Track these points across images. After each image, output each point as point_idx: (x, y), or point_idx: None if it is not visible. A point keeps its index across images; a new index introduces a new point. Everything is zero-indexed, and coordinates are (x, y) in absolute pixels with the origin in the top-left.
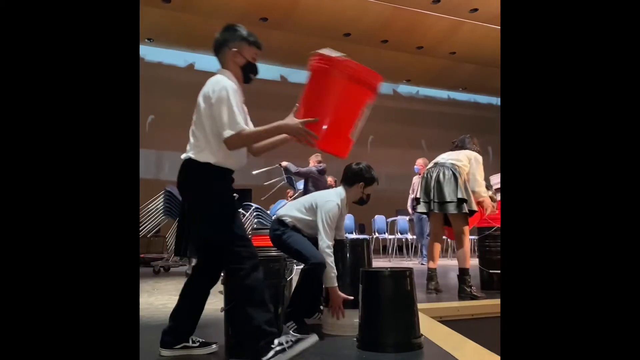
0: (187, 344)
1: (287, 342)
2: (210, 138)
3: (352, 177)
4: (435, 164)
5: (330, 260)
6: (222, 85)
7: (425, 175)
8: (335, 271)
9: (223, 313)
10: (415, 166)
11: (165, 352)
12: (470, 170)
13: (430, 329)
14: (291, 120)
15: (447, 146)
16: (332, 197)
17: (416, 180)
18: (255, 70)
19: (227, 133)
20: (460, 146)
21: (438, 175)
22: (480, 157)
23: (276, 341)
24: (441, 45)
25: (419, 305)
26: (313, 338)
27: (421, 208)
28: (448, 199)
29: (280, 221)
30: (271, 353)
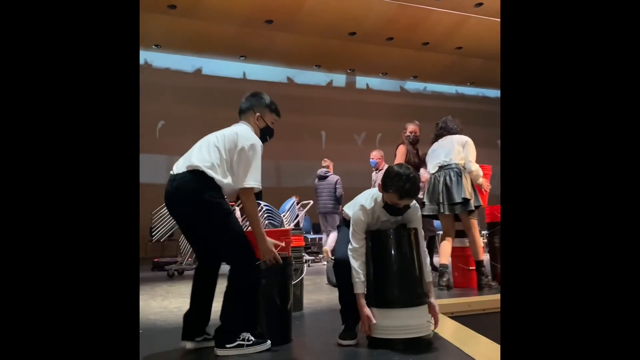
0: (241, 343)
1: (247, 339)
2: (225, 166)
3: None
4: (441, 167)
5: (355, 264)
6: (254, 141)
7: (432, 180)
8: (360, 277)
9: None
10: (371, 159)
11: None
12: (464, 155)
13: (440, 324)
14: (268, 241)
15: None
16: (361, 201)
17: (375, 176)
18: (272, 134)
19: (252, 184)
20: (447, 130)
21: (445, 179)
22: (468, 140)
23: (241, 335)
24: (447, 40)
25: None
26: (267, 343)
27: (428, 211)
28: (456, 201)
29: (343, 217)
30: (234, 344)
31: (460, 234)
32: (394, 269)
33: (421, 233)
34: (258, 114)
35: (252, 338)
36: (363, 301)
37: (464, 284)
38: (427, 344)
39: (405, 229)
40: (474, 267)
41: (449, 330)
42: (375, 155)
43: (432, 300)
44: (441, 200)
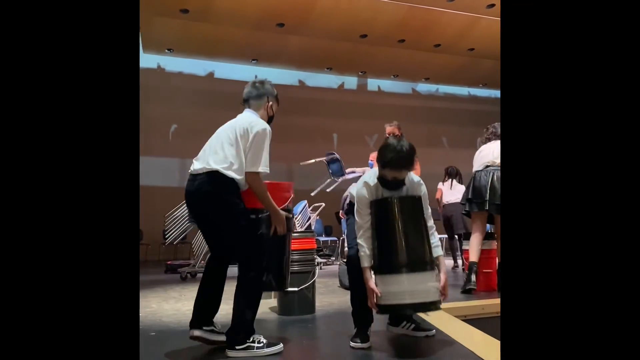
0: (250, 345)
1: (258, 342)
2: (241, 160)
3: None
4: (487, 166)
5: (361, 240)
6: (265, 126)
7: (477, 177)
8: (365, 250)
9: None
10: (370, 161)
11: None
12: None
13: (453, 327)
14: (281, 214)
15: (469, 143)
16: (365, 178)
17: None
18: (271, 122)
19: (258, 168)
20: (496, 135)
21: (492, 178)
22: None
23: (252, 337)
24: (459, 42)
25: (443, 305)
26: (279, 347)
27: (472, 207)
28: (499, 202)
29: (350, 202)
30: (244, 346)
31: (468, 236)
32: (397, 235)
33: (427, 205)
34: (270, 103)
35: (264, 340)
36: (368, 275)
37: (478, 287)
38: (439, 344)
39: (408, 196)
40: (490, 270)
41: (462, 333)
42: (374, 156)
43: (442, 274)
44: (486, 198)
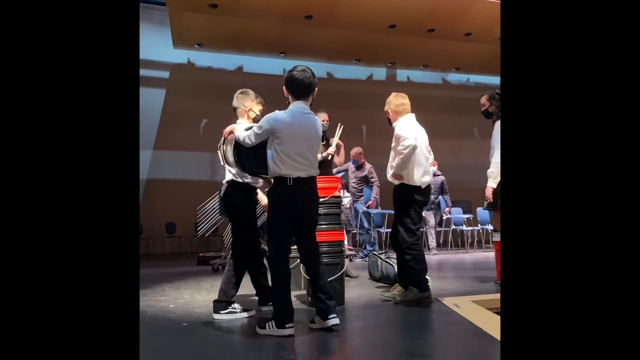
0: (232, 309)
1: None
2: None
3: None
4: None
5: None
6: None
7: None
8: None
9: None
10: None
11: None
12: None
13: (485, 319)
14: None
15: None
16: None
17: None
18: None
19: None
20: None
21: None
22: None
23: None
24: (490, 31)
25: (476, 297)
26: (252, 312)
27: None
28: None
29: None
30: (227, 310)
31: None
32: None
33: None
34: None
35: (240, 307)
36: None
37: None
38: (471, 335)
39: None
40: None
41: (494, 325)
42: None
43: None
44: None
